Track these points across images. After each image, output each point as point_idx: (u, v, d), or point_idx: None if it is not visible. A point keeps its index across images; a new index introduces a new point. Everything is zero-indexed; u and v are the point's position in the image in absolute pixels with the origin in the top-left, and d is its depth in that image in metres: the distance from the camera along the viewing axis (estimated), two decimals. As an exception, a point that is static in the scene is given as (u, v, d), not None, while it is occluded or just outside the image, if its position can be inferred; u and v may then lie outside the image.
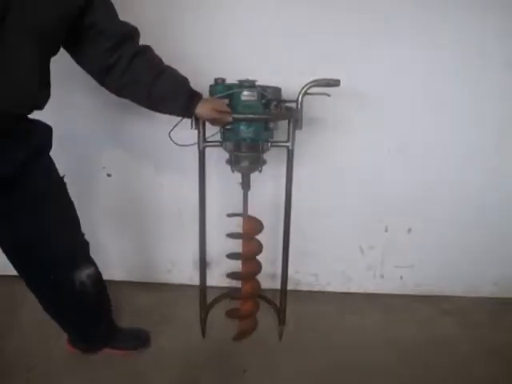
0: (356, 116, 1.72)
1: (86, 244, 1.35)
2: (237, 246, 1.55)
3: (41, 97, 1.10)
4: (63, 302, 1.35)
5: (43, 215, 1.18)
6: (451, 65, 1.66)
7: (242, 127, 1.33)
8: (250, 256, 1.55)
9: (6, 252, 1.21)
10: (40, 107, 1.10)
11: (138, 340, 1.58)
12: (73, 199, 1.30)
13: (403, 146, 1.76)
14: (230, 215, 1.52)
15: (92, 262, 1.35)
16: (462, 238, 1.88)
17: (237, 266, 1.58)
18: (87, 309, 1.39)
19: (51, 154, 1.20)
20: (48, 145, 1.18)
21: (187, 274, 1.97)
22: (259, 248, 1.55)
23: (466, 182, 1.80)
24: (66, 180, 1.25)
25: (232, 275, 1.57)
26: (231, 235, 1.52)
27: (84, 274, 1.30)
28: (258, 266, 1.58)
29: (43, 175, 1.16)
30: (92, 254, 1.37)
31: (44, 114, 1.13)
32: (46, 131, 1.16)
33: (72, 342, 1.53)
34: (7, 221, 1.14)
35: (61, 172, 1.23)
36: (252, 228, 1.52)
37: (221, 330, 1.64)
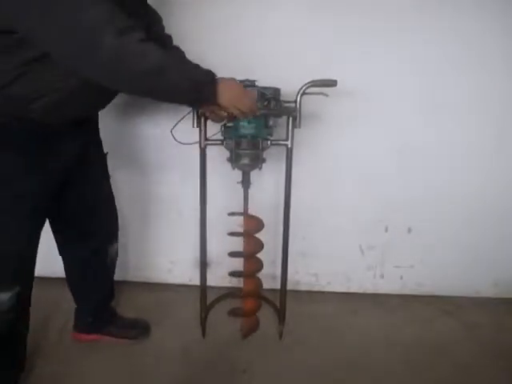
0: (356, 116, 1.72)
1: (117, 221, 1.49)
2: (237, 246, 1.55)
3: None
4: (91, 271, 1.45)
5: (100, 185, 1.39)
6: (451, 65, 1.66)
7: (243, 123, 1.34)
8: (251, 254, 1.55)
9: (57, 218, 1.32)
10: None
11: (138, 329, 1.61)
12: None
13: (403, 146, 1.76)
14: (231, 214, 1.52)
15: (117, 241, 1.50)
16: (462, 238, 1.88)
17: (238, 265, 1.58)
18: (107, 282, 1.54)
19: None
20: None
21: (187, 274, 1.97)
22: (260, 246, 1.55)
23: (466, 182, 1.80)
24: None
25: (234, 273, 1.57)
26: (233, 234, 1.53)
27: (114, 249, 1.48)
28: (260, 264, 1.57)
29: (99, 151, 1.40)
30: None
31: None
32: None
33: (78, 324, 1.57)
34: (72, 188, 1.28)
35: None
36: (253, 226, 1.52)
37: (221, 330, 1.63)
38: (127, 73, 0.96)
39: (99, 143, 1.40)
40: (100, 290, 1.53)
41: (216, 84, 1.10)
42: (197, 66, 1.13)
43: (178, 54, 1.37)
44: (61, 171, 1.19)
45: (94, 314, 1.55)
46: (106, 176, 1.42)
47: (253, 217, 1.52)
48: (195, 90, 1.06)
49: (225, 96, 1.11)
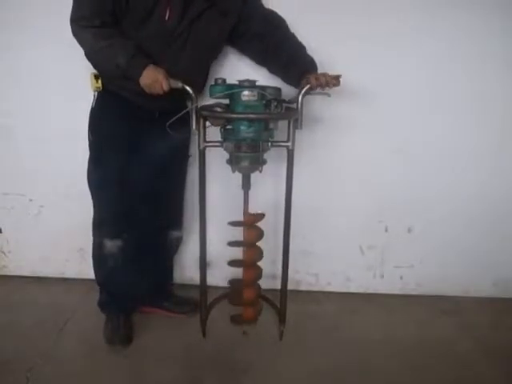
0: (356, 116, 1.72)
1: (182, 215, 1.72)
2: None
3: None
4: (152, 250, 1.64)
5: (179, 174, 1.64)
6: (451, 64, 1.67)
7: (243, 127, 1.32)
8: (251, 263, 1.55)
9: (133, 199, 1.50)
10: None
11: (190, 306, 1.75)
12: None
13: (403, 146, 1.77)
14: (230, 223, 1.51)
15: (182, 230, 1.73)
16: (462, 238, 1.89)
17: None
18: (165, 261, 1.76)
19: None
20: None
21: (187, 274, 1.97)
22: (260, 255, 1.56)
23: (466, 182, 1.81)
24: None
25: (233, 282, 1.57)
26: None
27: (175, 236, 1.69)
28: (260, 272, 1.58)
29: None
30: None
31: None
32: None
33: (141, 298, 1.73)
34: (160, 173, 1.51)
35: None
36: (253, 236, 1.52)
37: (221, 330, 1.64)
38: (82, 47, 1.32)
39: (185, 145, 1.60)
40: (158, 268, 1.71)
41: (139, 71, 1.29)
42: (128, 54, 1.28)
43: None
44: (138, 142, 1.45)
45: (152, 290, 1.71)
46: (181, 173, 1.65)
47: (253, 227, 1.52)
48: (121, 72, 1.30)
49: (144, 81, 1.29)
